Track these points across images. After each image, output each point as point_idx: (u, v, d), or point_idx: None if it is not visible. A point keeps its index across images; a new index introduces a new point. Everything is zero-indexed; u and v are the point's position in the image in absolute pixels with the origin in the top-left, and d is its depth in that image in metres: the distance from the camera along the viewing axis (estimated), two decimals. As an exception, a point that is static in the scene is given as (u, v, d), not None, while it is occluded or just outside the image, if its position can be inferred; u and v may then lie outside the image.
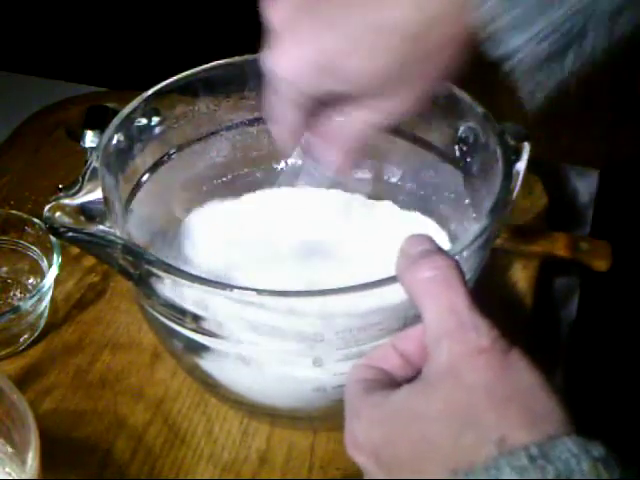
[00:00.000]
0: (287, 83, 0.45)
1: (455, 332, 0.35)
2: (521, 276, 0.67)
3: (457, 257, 0.44)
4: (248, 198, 0.62)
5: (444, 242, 0.57)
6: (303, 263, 0.56)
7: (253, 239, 0.58)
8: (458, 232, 0.57)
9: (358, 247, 0.58)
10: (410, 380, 0.39)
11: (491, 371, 0.34)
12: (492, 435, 0.32)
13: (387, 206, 0.62)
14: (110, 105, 0.78)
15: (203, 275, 0.45)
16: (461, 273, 0.37)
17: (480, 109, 0.53)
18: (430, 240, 0.40)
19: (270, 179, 0.63)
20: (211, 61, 0.57)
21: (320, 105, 0.47)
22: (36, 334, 0.62)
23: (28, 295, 0.63)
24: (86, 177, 0.48)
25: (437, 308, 0.36)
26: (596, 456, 0.31)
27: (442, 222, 0.59)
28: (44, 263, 0.64)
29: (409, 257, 0.39)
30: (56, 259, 0.61)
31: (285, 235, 0.58)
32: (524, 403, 0.33)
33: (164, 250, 0.57)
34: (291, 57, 0.44)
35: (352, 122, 0.47)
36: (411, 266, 0.38)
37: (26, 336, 0.62)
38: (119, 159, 0.53)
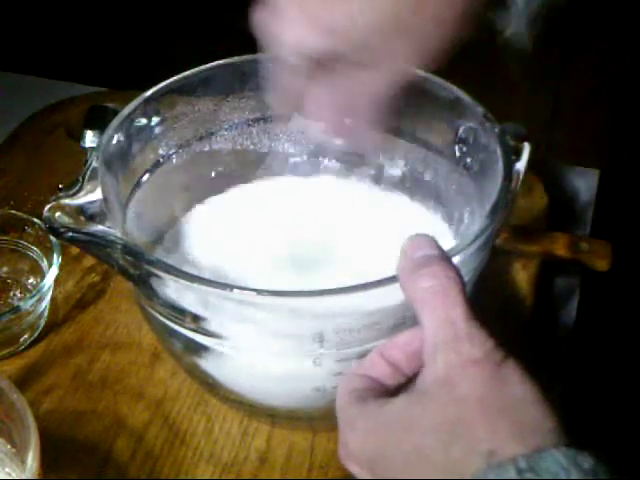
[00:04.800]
0: (289, 47, 0.47)
1: (450, 343, 0.35)
2: (521, 276, 0.66)
3: (457, 257, 0.44)
4: (248, 192, 0.62)
5: (448, 238, 0.57)
6: (303, 262, 0.56)
7: (253, 236, 0.58)
8: (458, 233, 0.57)
9: (360, 243, 0.58)
10: (400, 388, 0.39)
11: (483, 383, 0.34)
12: (481, 447, 0.32)
13: (395, 198, 0.62)
14: (110, 105, 0.78)
15: (203, 275, 0.45)
16: (461, 282, 0.37)
17: (480, 109, 0.53)
18: (432, 243, 0.39)
19: (270, 179, 0.63)
20: (211, 61, 0.57)
21: (320, 72, 0.48)
22: (36, 334, 0.62)
23: (28, 295, 0.63)
24: (86, 177, 0.48)
25: (434, 318, 0.36)
26: (585, 468, 0.31)
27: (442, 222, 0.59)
28: (44, 263, 0.64)
29: (410, 261, 0.39)
30: (56, 259, 0.61)
31: (287, 232, 0.58)
32: (515, 415, 0.33)
33: (164, 250, 0.57)
34: (291, 24, 0.46)
35: (358, 85, 0.48)
36: (411, 273, 0.38)
37: (26, 336, 0.61)
38: (119, 159, 0.53)
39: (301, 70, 0.47)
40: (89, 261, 0.67)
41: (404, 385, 0.39)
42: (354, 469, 0.37)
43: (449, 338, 0.35)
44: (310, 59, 0.47)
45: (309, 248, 0.57)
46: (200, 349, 0.50)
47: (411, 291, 0.38)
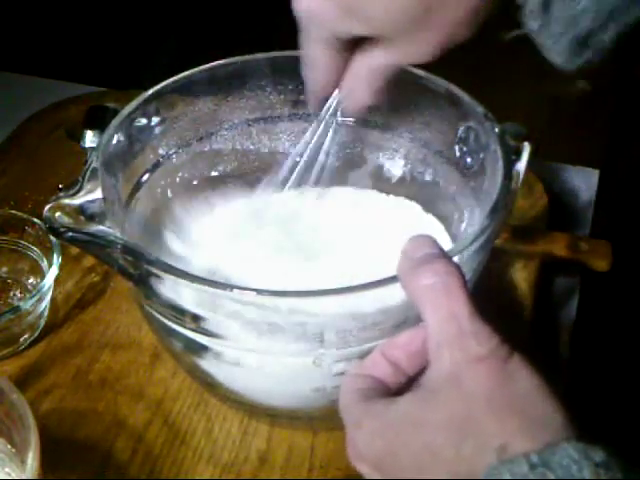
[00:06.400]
0: (314, 23, 0.49)
1: (455, 340, 0.35)
2: (521, 276, 0.66)
3: (457, 257, 0.44)
4: (247, 194, 0.62)
5: (445, 241, 0.57)
6: (302, 262, 0.56)
7: (252, 237, 0.58)
8: (458, 232, 0.57)
9: (359, 245, 0.58)
10: (402, 387, 0.39)
11: (491, 379, 0.34)
12: (493, 443, 0.33)
13: (392, 200, 0.62)
14: (110, 105, 0.78)
15: (202, 275, 0.45)
16: (462, 279, 0.37)
17: (480, 109, 0.53)
18: (432, 243, 0.39)
19: (270, 179, 0.63)
20: (211, 61, 0.57)
21: (348, 49, 0.50)
22: (36, 334, 0.62)
23: (28, 295, 0.63)
24: (86, 177, 0.48)
25: (438, 315, 0.36)
26: (597, 461, 0.31)
27: (442, 222, 0.59)
28: (44, 263, 0.64)
29: (411, 261, 0.39)
30: (56, 259, 0.61)
31: (285, 233, 0.58)
32: (524, 410, 0.33)
33: (163, 250, 0.57)
34: (321, 4, 0.47)
35: (371, 60, 0.50)
36: (412, 271, 0.38)
37: (26, 336, 0.61)
38: (119, 159, 0.53)
39: (329, 43, 0.49)
40: (89, 261, 0.67)
41: (406, 385, 0.39)
42: (364, 469, 0.37)
43: (454, 335, 0.35)
44: (332, 34, 0.49)
45: (304, 250, 0.57)
46: (200, 349, 0.50)
47: (413, 289, 0.38)
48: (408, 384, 0.39)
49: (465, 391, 0.34)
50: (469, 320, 0.35)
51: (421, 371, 0.38)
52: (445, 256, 0.39)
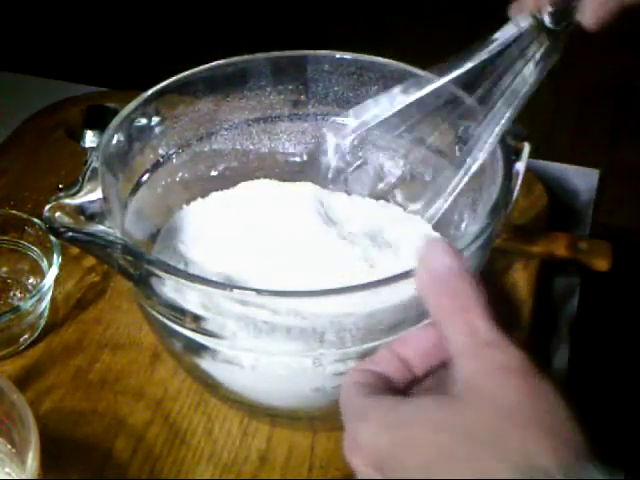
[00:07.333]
0: None
1: (479, 350, 0.35)
2: (521, 276, 0.66)
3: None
4: (246, 195, 0.62)
5: None
6: (301, 263, 0.56)
7: (251, 238, 0.58)
8: (458, 232, 0.57)
9: (347, 247, 0.58)
10: (409, 385, 0.38)
11: (520, 392, 0.34)
12: (515, 457, 0.32)
13: (385, 207, 0.62)
14: (110, 105, 0.78)
15: (203, 275, 0.45)
16: (481, 291, 0.36)
17: (480, 109, 0.53)
18: (448, 250, 0.38)
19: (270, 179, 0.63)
20: (211, 61, 0.58)
21: None
22: (36, 334, 0.62)
23: (28, 295, 0.63)
24: (86, 177, 0.48)
25: (458, 330, 0.36)
26: None
27: (442, 222, 0.59)
28: (44, 263, 0.64)
29: (429, 273, 0.38)
30: (56, 259, 0.61)
31: (284, 234, 0.58)
32: (549, 427, 0.33)
33: (163, 250, 0.57)
34: None
35: None
36: (433, 288, 0.37)
37: (26, 336, 0.61)
38: (119, 159, 0.53)
39: None
40: (89, 261, 0.67)
41: (412, 383, 0.39)
42: (359, 465, 0.36)
43: (479, 345, 0.35)
44: None
45: (300, 250, 0.57)
46: (200, 349, 0.50)
47: (432, 305, 0.37)
48: (414, 383, 0.39)
49: (493, 402, 0.34)
50: (496, 333, 0.35)
51: (429, 372, 0.38)
52: (463, 267, 0.37)
